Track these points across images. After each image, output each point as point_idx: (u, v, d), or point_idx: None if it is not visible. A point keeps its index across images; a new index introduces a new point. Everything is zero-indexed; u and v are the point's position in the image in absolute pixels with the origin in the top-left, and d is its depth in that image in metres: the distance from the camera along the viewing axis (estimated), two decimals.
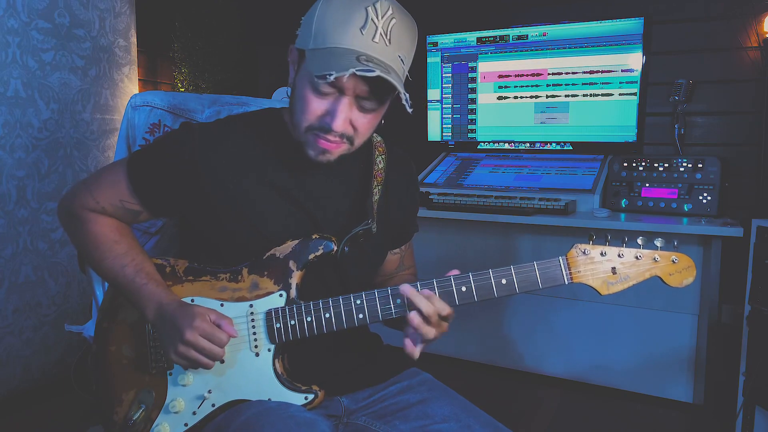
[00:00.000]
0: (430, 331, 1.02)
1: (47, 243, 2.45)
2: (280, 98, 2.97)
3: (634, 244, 1.02)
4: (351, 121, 1.02)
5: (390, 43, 0.98)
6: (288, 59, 1.08)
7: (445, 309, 1.02)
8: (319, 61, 0.96)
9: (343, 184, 1.17)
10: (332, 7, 0.97)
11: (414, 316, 1.00)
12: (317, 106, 1.01)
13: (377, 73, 0.92)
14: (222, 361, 1.07)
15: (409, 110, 0.98)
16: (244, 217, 1.10)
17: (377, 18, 0.96)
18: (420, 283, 1.04)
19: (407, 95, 0.97)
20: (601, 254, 1.02)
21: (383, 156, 1.21)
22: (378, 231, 1.16)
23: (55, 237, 2.48)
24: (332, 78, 0.92)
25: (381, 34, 0.97)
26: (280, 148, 1.13)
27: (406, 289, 1.01)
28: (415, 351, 1.03)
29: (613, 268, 1.02)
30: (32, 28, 2.34)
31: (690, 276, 1.01)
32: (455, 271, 1.04)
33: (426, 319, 1.00)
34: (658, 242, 1.02)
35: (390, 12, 0.97)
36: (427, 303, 1.00)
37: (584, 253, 1.02)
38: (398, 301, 1.04)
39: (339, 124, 1.00)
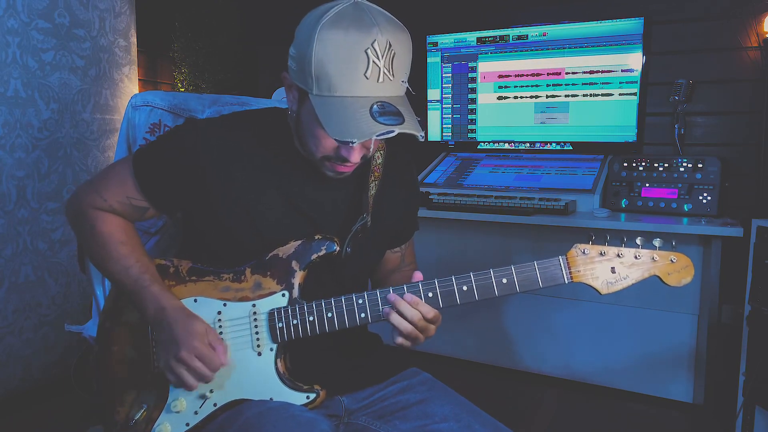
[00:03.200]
0: (416, 335, 1.05)
1: (47, 243, 2.45)
2: (280, 98, 2.97)
3: (632, 244, 1.04)
4: (365, 146, 1.04)
5: (394, 76, 0.97)
6: (284, 84, 1.07)
7: (430, 312, 1.04)
8: (331, 115, 0.95)
9: (342, 180, 1.17)
10: (330, 50, 0.93)
11: (401, 322, 1.03)
12: (330, 142, 1.02)
13: (396, 132, 0.93)
14: None
15: (421, 139, 0.97)
16: (244, 215, 1.10)
17: (378, 59, 0.94)
18: (422, 283, 1.05)
19: (422, 133, 0.97)
20: (601, 254, 1.03)
21: (382, 151, 1.21)
22: (374, 226, 1.16)
23: (55, 237, 2.48)
24: (355, 144, 0.94)
25: (384, 73, 0.95)
26: (281, 149, 1.13)
27: (392, 296, 1.04)
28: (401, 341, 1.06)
29: (612, 268, 1.03)
30: (32, 28, 2.35)
31: (688, 275, 1.03)
32: (418, 275, 1.07)
33: (412, 323, 1.04)
34: (656, 242, 1.03)
35: (387, 45, 0.95)
36: (411, 309, 1.03)
37: (584, 252, 1.03)
38: None
39: (356, 157, 1.03)
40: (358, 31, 0.93)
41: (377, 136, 0.92)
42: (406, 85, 1.01)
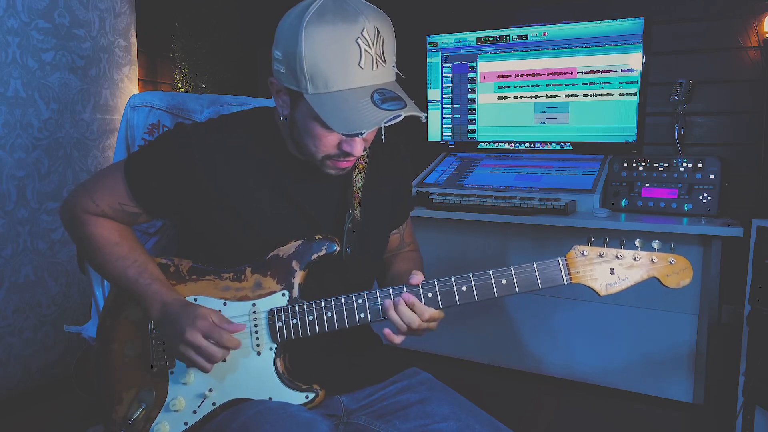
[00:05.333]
0: (416, 333, 1.06)
1: (47, 243, 2.45)
2: None
3: (631, 246, 1.04)
4: (365, 138, 1.04)
5: (386, 62, 0.97)
6: (271, 90, 1.06)
7: (426, 313, 1.04)
8: (333, 111, 0.94)
9: (332, 178, 1.17)
10: (321, 46, 0.93)
11: (400, 325, 1.03)
12: (331, 139, 1.01)
13: (403, 116, 0.93)
14: (224, 360, 1.07)
15: (424, 120, 0.98)
16: (241, 217, 1.10)
17: (370, 47, 0.94)
18: (422, 284, 1.05)
19: (425, 114, 0.97)
20: (600, 255, 1.04)
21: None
22: (367, 218, 1.16)
23: (55, 237, 2.48)
24: (364, 135, 0.93)
25: (376, 59, 0.95)
26: (272, 149, 1.13)
27: (386, 303, 1.04)
28: (396, 339, 1.06)
29: (611, 270, 1.03)
30: (32, 28, 2.35)
31: (687, 277, 1.03)
32: (419, 277, 1.06)
33: (408, 327, 1.04)
34: (655, 244, 1.03)
35: (376, 32, 0.95)
36: (408, 313, 1.03)
37: (583, 254, 1.04)
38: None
39: (360, 149, 1.02)
40: (345, 23, 0.93)
41: (385, 122, 0.92)
42: (396, 69, 1.01)
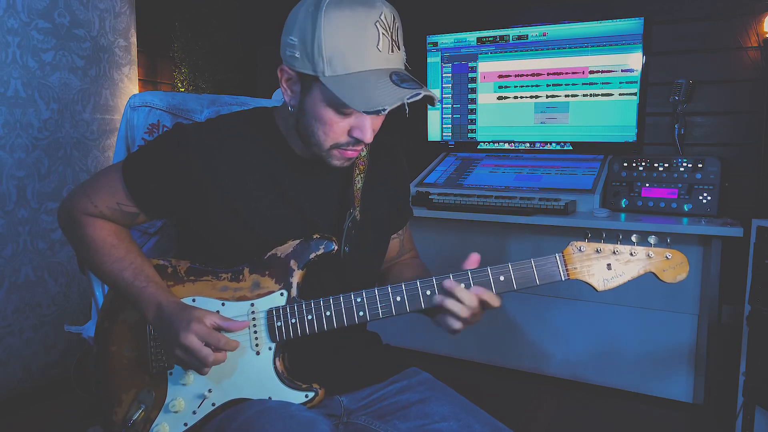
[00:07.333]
0: (473, 320, 1.04)
1: (47, 243, 2.45)
2: (279, 98, 2.97)
3: (628, 242, 1.04)
4: (373, 127, 1.04)
5: (399, 48, 1.00)
6: (280, 80, 1.05)
7: (495, 301, 1.03)
8: (353, 90, 0.95)
9: (331, 178, 1.17)
10: (341, 28, 0.95)
11: (462, 310, 1.01)
12: (342, 125, 1.02)
13: (422, 95, 0.94)
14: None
15: (437, 104, 1.00)
16: (240, 217, 1.10)
17: (387, 31, 0.96)
18: (420, 281, 1.05)
19: (439, 99, 0.99)
20: (597, 251, 1.04)
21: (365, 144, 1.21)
22: (366, 219, 1.16)
23: (55, 237, 2.48)
24: (386, 111, 0.94)
25: (393, 44, 0.98)
26: (272, 148, 1.13)
27: (450, 283, 1.02)
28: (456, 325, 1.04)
29: (608, 265, 1.03)
30: (32, 28, 2.35)
31: (683, 272, 1.03)
32: (475, 257, 1.05)
33: (471, 312, 1.02)
34: (651, 239, 1.04)
35: (393, 17, 0.98)
36: (471, 297, 1.01)
37: (580, 250, 1.04)
38: (398, 299, 1.05)
39: (370, 136, 1.02)
40: (364, 7, 0.95)
41: (407, 99, 0.93)
42: (405, 61, 1.03)
